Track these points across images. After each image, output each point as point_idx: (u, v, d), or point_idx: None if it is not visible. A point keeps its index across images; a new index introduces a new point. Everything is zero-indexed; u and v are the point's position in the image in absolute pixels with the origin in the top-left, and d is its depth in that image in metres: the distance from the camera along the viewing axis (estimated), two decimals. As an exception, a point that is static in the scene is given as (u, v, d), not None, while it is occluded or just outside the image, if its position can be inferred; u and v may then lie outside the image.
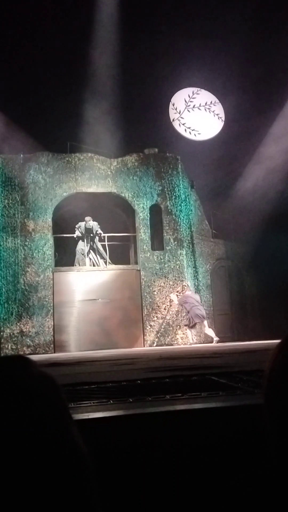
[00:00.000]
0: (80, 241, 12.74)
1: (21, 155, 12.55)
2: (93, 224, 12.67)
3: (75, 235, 12.72)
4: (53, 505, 0.63)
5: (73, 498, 0.65)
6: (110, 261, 12.78)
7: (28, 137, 12.51)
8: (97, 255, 12.73)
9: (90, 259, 12.68)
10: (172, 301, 12.00)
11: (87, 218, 12.68)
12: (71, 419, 0.73)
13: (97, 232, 12.66)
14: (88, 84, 13.53)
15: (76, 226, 12.74)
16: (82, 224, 12.72)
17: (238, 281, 14.40)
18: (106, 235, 12.70)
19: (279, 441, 0.79)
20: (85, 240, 12.68)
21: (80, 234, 12.70)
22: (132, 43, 13.62)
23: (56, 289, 12.12)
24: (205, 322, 11.47)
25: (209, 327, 11.67)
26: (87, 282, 12.32)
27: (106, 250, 12.69)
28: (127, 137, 13.28)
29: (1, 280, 11.78)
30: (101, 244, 12.77)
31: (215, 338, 11.22)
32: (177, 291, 12.34)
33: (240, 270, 14.54)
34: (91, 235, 12.67)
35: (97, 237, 12.70)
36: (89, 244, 12.69)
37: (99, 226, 12.72)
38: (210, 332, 11.50)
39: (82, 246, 12.69)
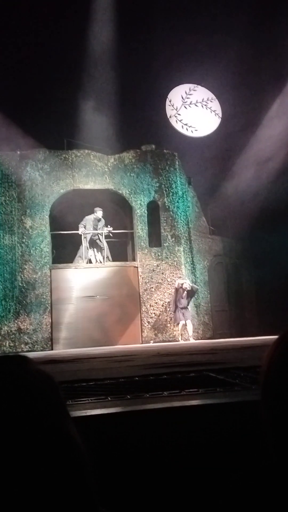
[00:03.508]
0: (84, 239, 12.58)
1: (18, 152, 12.49)
2: (101, 217, 12.61)
3: (79, 232, 12.52)
4: (51, 501, 0.63)
5: (71, 494, 0.65)
6: (110, 258, 12.77)
7: (24, 134, 12.44)
8: (99, 251, 12.67)
9: (93, 256, 12.61)
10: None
11: (96, 209, 12.63)
12: (69, 416, 0.73)
13: (105, 226, 12.57)
14: (84, 81, 13.49)
15: (81, 223, 12.53)
16: (88, 217, 12.57)
17: (236, 277, 14.41)
18: (103, 232, 12.67)
19: (277, 436, 0.79)
20: (87, 237, 12.57)
21: (84, 230, 12.52)
22: (129, 39, 13.58)
23: (54, 286, 12.11)
24: (181, 322, 11.84)
25: (185, 328, 11.98)
26: (84, 279, 12.30)
27: (106, 246, 12.71)
28: (124, 134, 13.25)
29: (-2, 278, 11.78)
30: (105, 239, 12.70)
31: (182, 339, 11.79)
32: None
33: (238, 266, 14.56)
34: (99, 227, 12.57)
35: (102, 233, 12.59)
36: (92, 240, 12.61)
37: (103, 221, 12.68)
38: (190, 330, 11.80)
39: (86, 243, 12.60)
